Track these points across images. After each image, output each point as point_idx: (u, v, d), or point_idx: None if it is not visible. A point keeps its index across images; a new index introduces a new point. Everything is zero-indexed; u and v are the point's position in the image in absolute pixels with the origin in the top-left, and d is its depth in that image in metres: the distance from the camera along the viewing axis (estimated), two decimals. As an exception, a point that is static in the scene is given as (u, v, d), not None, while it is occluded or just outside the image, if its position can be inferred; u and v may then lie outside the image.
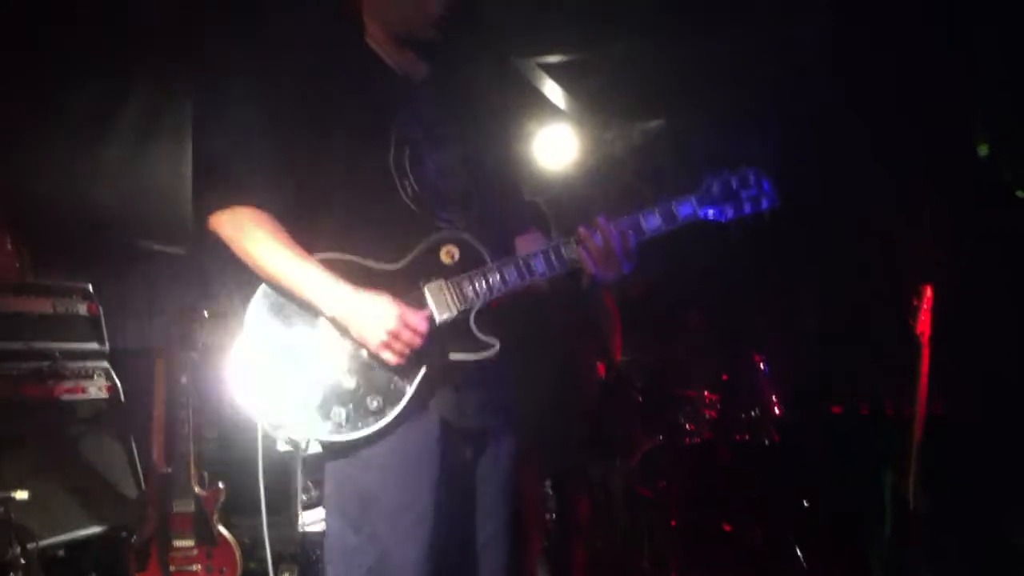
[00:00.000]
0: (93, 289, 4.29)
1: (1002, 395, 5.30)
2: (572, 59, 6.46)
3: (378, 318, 2.32)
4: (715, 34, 5.98)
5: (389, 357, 2.34)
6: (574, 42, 6.18)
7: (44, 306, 4.06)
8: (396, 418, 2.36)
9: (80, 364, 4.12)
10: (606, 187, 7.66)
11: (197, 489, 4.16)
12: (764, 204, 2.54)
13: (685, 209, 2.50)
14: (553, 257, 2.47)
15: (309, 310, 2.39)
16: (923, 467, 4.59)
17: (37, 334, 3.99)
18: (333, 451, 2.43)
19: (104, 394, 4.18)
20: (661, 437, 5.47)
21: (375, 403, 2.35)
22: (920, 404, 4.59)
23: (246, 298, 2.42)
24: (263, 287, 2.41)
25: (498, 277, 2.43)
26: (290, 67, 2.48)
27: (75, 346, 4.14)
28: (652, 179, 7.59)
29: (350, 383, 2.35)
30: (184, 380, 4.17)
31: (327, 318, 2.37)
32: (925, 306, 4.45)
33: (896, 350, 4.29)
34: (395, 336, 2.32)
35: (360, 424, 2.34)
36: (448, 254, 2.45)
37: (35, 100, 4.43)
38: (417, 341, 2.34)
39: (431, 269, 2.43)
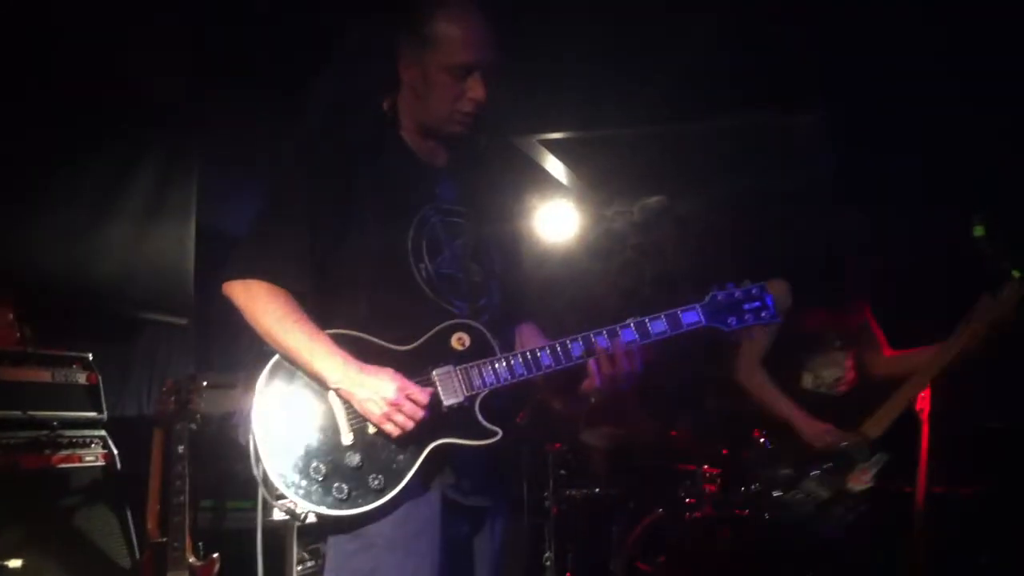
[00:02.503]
0: (94, 358, 4.31)
1: (1005, 472, 5.28)
2: (574, 136, 6.55)
3: (380, 391, 2.37)
4: (716, 115, 6.08)
5: (390, 429, 2.38)
6: (576, 120, 6.28)
7: (43, 376, 4.07)
8: (396, 497, 2.39)
9: (77, 433, 4.11)
10: (606, 262, 7.70)
11: (192, 560, 4.14)
12: (765, 317, 2.60)
13: (690, 317, 2.55)
14: (561, 353, 2.51)
15: (318, 384, 2.43)
16: (925, 544, 4.55)
17: (36, 403, 4.00)
18: (333, 526, 2.45)
19: (100, 462, 4.17)
20: (661, 511, 5.45)
21: (377, 481, 2.38)
22: (920, 482, 4.57)
23: (257, 367, 2.46)
24: (276, 358, 2.46)
25: (505, 368, 2.49)
26: (326, 152, 2.57)
27: (73, 415, 4.14)
28: (652, 255, 7.63)
29: (354, 460, 2.39)
30: (181, 450, 4.18)
31: (332, 390, 2.41)
32: (925, 383, 4.44)
33: (895, 427, 4.28)
34: (396, 408, 2.36)
35: (360, 501, 2.38)
36: (459, 341, 2.51)
37: (42, 175, 4.51)
38: (419, 414, 2.38)
39: (441, 354, 2.50)
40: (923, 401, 4.47)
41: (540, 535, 5.34)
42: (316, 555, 4.60)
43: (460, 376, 2.47)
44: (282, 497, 2.38)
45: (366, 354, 2.45)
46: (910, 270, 5.69)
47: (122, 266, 4.86)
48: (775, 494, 4.31)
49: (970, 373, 4.20)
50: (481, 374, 2.48)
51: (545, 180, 7.29)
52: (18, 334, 4.10)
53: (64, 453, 4.03)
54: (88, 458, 4.13)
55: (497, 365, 2.49)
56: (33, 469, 3.91)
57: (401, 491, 2.39)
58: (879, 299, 4.61)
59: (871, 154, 5.84)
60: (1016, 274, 3.94)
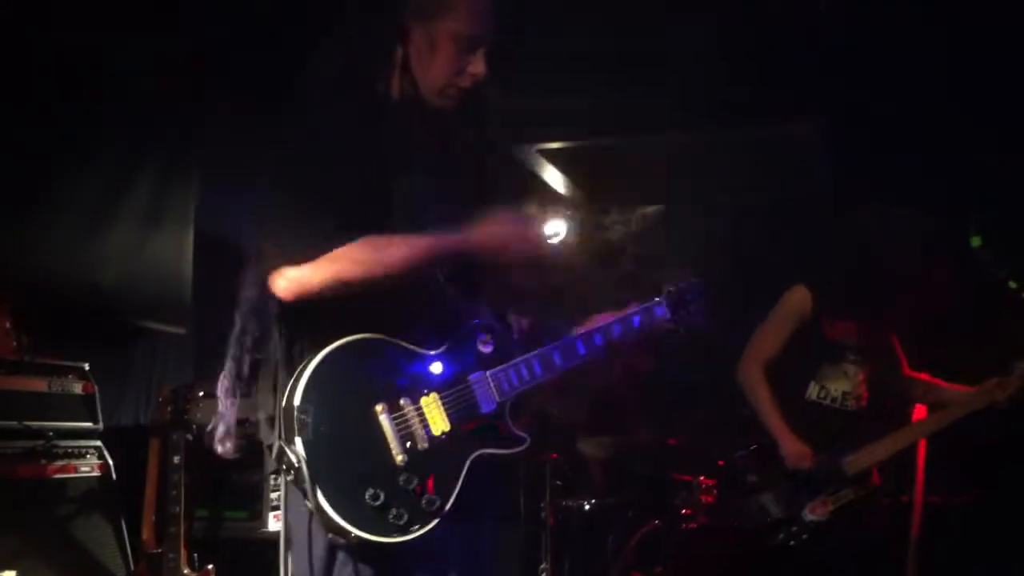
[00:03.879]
0: (91, 367, 4.31)
1: (1001, 482, 5.28)
2: (572, 146, 6.56)
3: (509, 230, 2.42)
4: (714, 125, 6.08)
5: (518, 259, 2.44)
6: (574, 130, 6.28)
7: (39, 385, 4.07)
8: (445, 515, 2.30)
9: (73, 443, 4.12)
10: (604, 272, 7.70)
11: (187, 570, 4.14)
12: (696, 319, 2.79)
13: (660, 311, 2.75)
14: (570, 353, 2.57)
15: (363, 402, 2.30)
16: (922, 555, 4.55)
17: (32, 413, 4.00)
18: (370, 553, 2.31)
19: (96, 472, 4.17)
20: (657, 521, 5.44)
21: (430, 502, 2.29)
22: (917, 493, 4.57)
23: (288, 396, 2.26)
24: (307, 379, 2.26)
25: (525, 370, 2.50)
26: (341, 141, 2.46)
27: (69, 425, 4.14)
28: (651, 264, 7.63)
29: (411, 481, 2.28)
30: (177, 460, 4.18)
31: (464, 257, 2.42)
32: (921, 394, 4.45)
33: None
34: (517, 244, 2.42)
35: (418, 525, 2.26)
36: (484, 343, 2.50)
37: (41, 183, 4.51)
38: (533, 236, 2.48)
39: (471, 358, 2.47)
40: (920, 413, 4.47)
41: (536, 545, 5.33)
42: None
43: (491, 382, 2.46)
44: (337, 528, 2.20)
45: (395, 358, 2.37)
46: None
47: (120, 275, 4.86)
48: (733, 497, 4.30)
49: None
50: (508, 378, 2.48)
51: (543, 190, 7.29)
52: (15, 343, 4.10)
53: (59, 463, 4.03)
54: (83, 468, 4.13)
55: (523, 367, 2.50)
56: (28, 479, 3.91)
57: (449, 508, 2.31)
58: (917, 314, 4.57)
59: (869, 164, 5.85)
60: (1013, 285, 3.94)
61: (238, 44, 4.76)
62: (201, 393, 4.35)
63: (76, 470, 4.10)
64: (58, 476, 4.02)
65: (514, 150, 6.48)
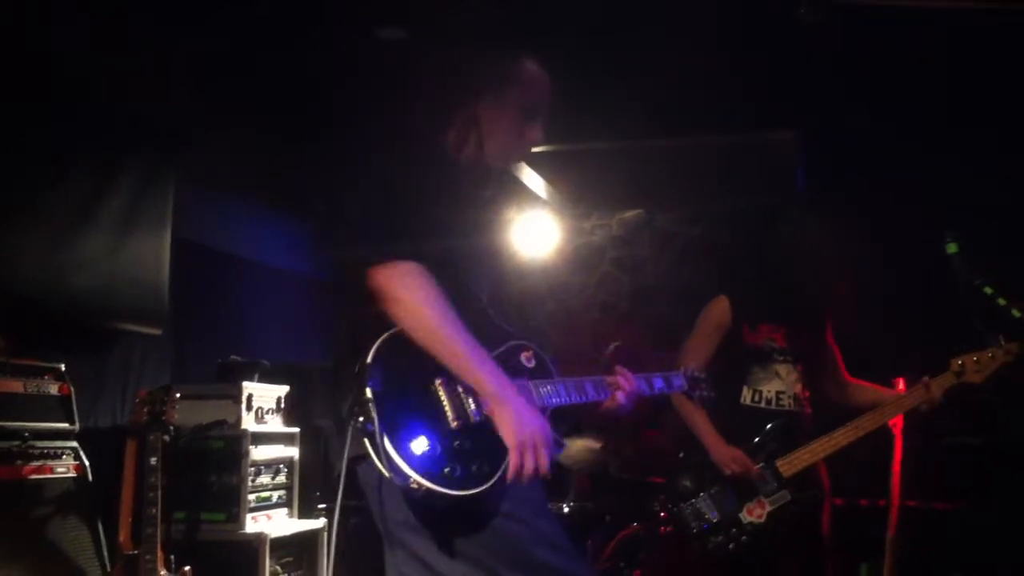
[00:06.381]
0: (67, 368, 4.29)
1: (976, 485, 5.31)
2: (553, 150, 6.55)
3: (524, 420, 2.48)
4: (695, 131, 6.10)
5: (516, 459, 2.46)
6: (555, 133, 6.28)
7: (15, 386, 4.05)
8: (498, 479, 2.47)
9: (49, 444, 4.10)
10: (585, 275, 7.74)
11: (164, 572, 4.11)
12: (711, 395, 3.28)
13: (678, 381, 3.12)
14: (601, 387, 2.82)
15: (424, 374, 2.49)
16: (898, 559, 4.57)
17: (7, 414, 3.98)
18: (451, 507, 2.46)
19: (72, 473, 4.15)
20: (636, 525, 5.45)
21: (482, 465, 2.46)
22: (894, 496, 4.59)
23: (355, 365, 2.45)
24: (372, 355, 2.44)
25: (563, 389, 2.72)
26: (425, 159, 2.66)
27: (45, 426, 4.12)
28: (631, 269, 7.67)
29: (466, 443, 2.46)
30: (154, 461, 4.16)
31: (483, 394, 2.49)
32: (897, 398, 4.46)
33: (869, 442, 4.29)
34: (530, 446, 2.46)
35: (476, 482, 2.43)
36: (527, 358, 2.71)
37: (19, 187, 4.49)
38: (543, 461, 2.48)
39: (515, 368, 2.66)
40: (896, 417, 4.48)
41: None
42: (289, 568, 4.60)
43: (533, 388, 2.65)
44: (398, 470, 2.36)
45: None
46: (881, 290, 5.74)
47: (98, 277, 4.84)
48: (669, 505, 4.31)
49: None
50: (548, 390, 2.68)
51: (524, 193, 7.30)
52: (-9, 346, 4.09)
53: (35, 464, 4.01)
54: (59, 469, 4.12)
55: (560, 385, 2.72)
56: (4, 480, 3.89)
57: (497, 479, 2.47)
58: (843, 319, 4.57)
59: (847, 172, 5.89)
60: (988, 291, 3.97)
61: (225, 51, 4.76)
62: (178, 394, 4.34)
63: (52, 471, 4.08)
64: (34, 477, 4.00)
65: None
